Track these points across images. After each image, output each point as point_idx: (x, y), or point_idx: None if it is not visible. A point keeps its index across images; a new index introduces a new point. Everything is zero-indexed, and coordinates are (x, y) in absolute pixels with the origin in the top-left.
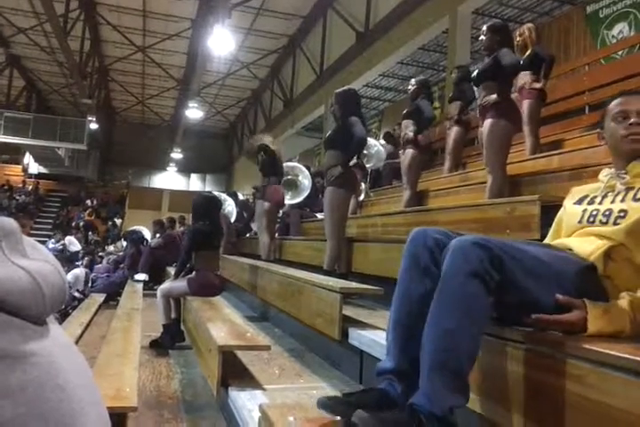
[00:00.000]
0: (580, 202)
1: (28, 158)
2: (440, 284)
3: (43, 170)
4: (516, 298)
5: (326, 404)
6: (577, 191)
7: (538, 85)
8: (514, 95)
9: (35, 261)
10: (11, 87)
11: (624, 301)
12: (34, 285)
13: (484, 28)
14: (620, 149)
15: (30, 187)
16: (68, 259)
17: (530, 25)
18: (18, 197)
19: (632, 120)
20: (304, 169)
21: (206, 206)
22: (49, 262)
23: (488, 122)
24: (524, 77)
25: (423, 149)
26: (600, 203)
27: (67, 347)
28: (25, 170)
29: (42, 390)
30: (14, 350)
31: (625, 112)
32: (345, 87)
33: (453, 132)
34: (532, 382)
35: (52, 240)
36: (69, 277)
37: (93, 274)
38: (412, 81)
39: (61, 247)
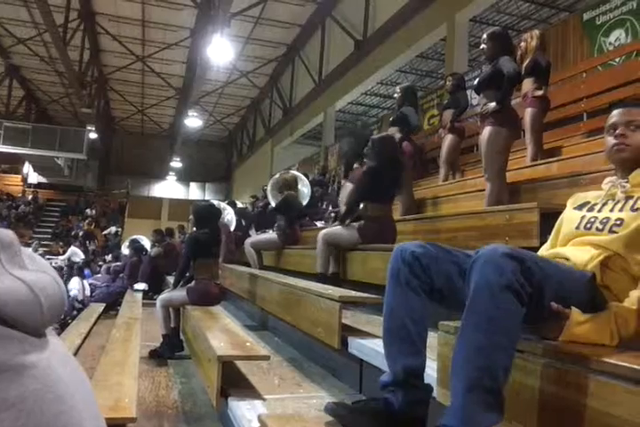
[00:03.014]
0: (580, 208)
1: (27, 168)
2: (470, 298)
3: (42, 179)
4: (539, 308)
5: (332, 409)
6: (579, 197)
7: (539, 93)
8: (517, 101)
9: (33, 272)
10: (10, 97)
11: (609, 311)
12: (32, 296)
13: (484, 36)
14: (611, 159)
15: (30, 196)
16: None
17: (535, 31)
18: (16, 207)
19: (617, 131)
20: (303, 177)
21: (207, 215)
22: (47, 273)
23: (487, 130)
24: (527, 85)
25: (410, 157)
26: (599, 211)
27: (66, 359)
28: (24, 180)
29: (41, 403)
30: (13, 362)
31: (614, 124)
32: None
33: (447, 139)
34: (549, 396)
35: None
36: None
37: (91, 282)
38: (397, 88)
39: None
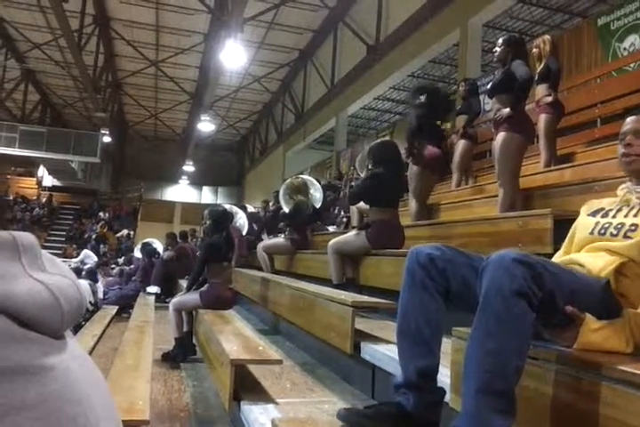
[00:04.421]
0: (594, 214)
1: (42, 171)
2: (482, 302)
3: (56, 183)
4: (552, 314)
5: (345, 416)
6: (594, 203)
7: (549, 99)
8: (530, 106)
9: (53, 275)
10: (26, 101)
11: (624, 318)
12: (52, 299)
13: (500, 40)
14: (622, 168)
15: (44, 199)
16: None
17: (546, 37)
18: (31, 210)
19: (625, 140)
20: (315, 182)
21: (221, 219)
22: (66, 277)
23: (501, 135)
24: (541, 91)
25: (430, 161)
26: (614, 216)
27: (84, 361)
28: (39, 182)
29: (59, 405)
30: (33, 364)
31: (624, 133)
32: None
33: (460, 145)
34: (562, 403)
35: None
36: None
37: (105, 287)
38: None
39: None
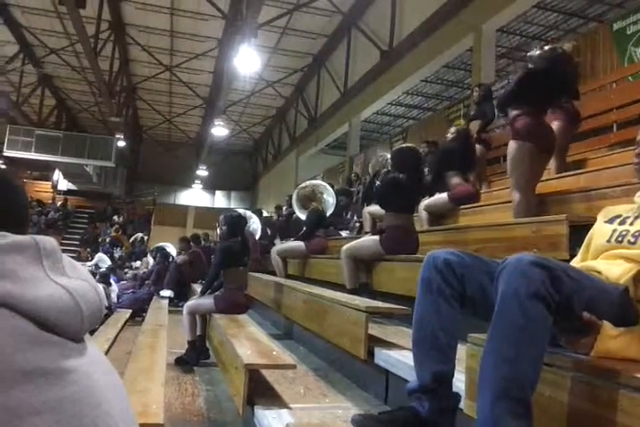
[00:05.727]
0: (611, 221)
1: (57, 175)
2: (498, 306)
3: (71, 186)
4: (569, 319)
5: (360, 421)
6: (610, 210)
7: (564, 106)
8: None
9: (73, 279)
10: (42, 106)
11: None
12: (73, 303)
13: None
14: (637, 176)
15: (59, 203)
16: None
17: (567, 45)
18: (46, 213)
19: (637, 150)
20: (328, 187)
21: (237, 224)
22: (86, 281)
23: (510, 142)
24: None
25: None
26: (631, 224)
27: (102, 364)
28: (54, 186)
29: (79, 407)
30: (53, 366)
31: (638, 142)
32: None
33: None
34: (579, 411)
35: None
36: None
37: (118, 290)
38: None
39: None
